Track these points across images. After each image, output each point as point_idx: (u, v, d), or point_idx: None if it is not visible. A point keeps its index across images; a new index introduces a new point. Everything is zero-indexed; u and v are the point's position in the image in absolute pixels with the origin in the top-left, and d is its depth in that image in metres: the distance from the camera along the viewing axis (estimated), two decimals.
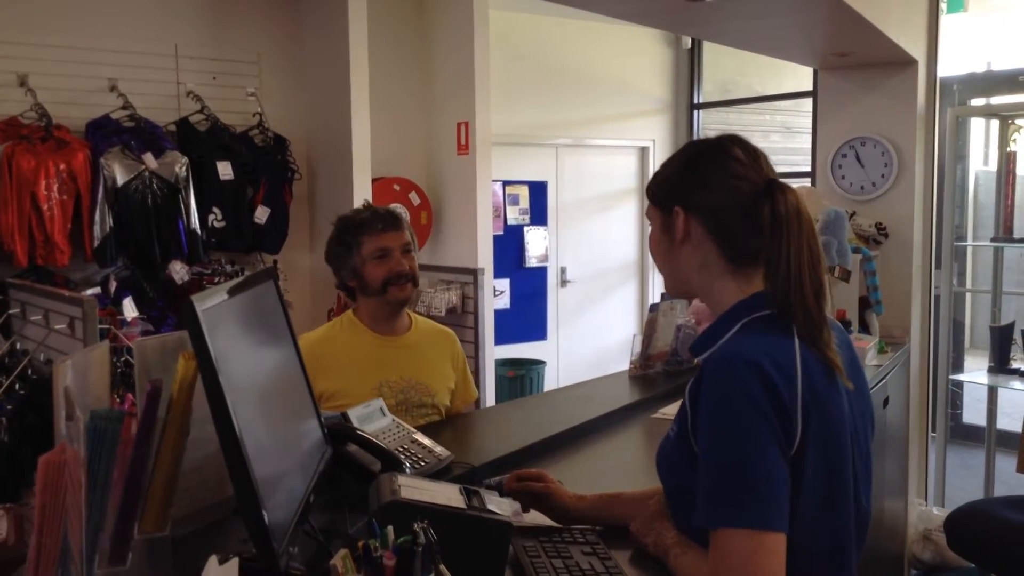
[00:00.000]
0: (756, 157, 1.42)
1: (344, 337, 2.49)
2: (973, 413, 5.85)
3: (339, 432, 1.74)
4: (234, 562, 0.94)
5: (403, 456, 1.84)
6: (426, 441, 1.97)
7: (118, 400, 1.52)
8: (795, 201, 1.37)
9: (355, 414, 1.93)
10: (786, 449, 1.26)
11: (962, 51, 5.80)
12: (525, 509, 1.65)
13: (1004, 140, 4.58)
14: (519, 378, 6.05)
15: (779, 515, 1.24)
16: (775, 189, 1.37)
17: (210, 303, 1.17)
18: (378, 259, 2.42)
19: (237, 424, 1.11)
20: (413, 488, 1.38)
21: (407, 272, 2.43)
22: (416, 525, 1.15)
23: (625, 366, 3.22)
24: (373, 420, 1.96)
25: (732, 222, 1.37)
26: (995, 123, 4.83)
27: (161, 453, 1.15)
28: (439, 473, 1.86)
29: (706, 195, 1.38)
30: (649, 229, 1.50)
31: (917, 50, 4.09)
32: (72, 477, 0.97)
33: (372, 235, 2.43)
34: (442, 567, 1.16)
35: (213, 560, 0.93)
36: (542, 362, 6.33)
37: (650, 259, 7.40)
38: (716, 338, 1.37)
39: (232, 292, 1.29)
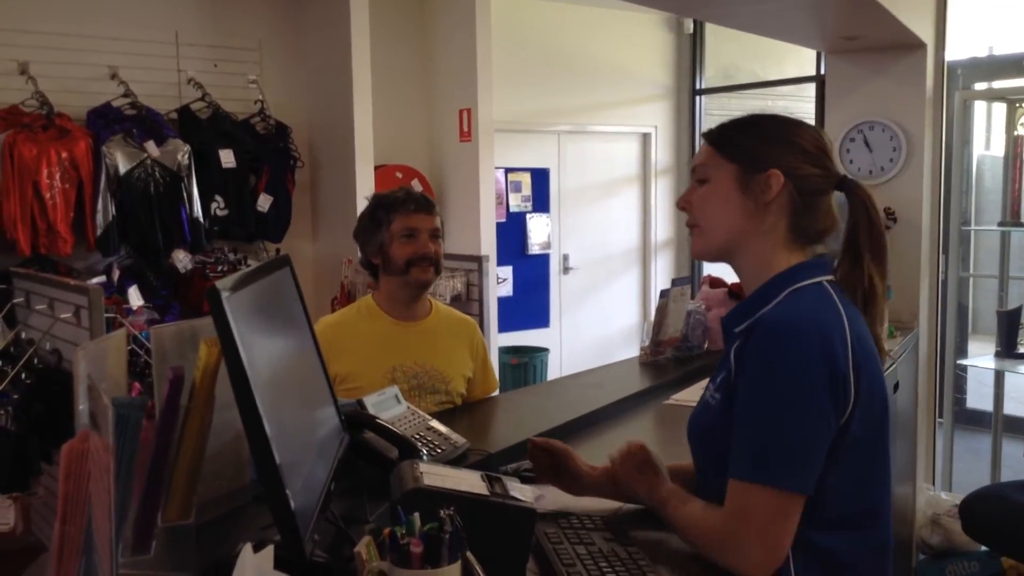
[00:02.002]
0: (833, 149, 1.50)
1: (361, 320, 2.48)
2: (977, 398, 5.85)
3: (356, 419, 1.73)
4: (269, 550, 0.92)
5: (420, 443, 1.83)
6: (442, 428, 1.95)
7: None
8: (871, 195, 1.46)
9: (370, 401, 1.91)
10: (839, 414, 1.30)
11: (965, 35, 5.77)
12: (543, 475, 1.68)
13: (1011, 124, 4.56)
14: (522, 365, 6.03)
15: (809, 480, 1.29)
16: (855, 183, 1.45)
17: (232, 289, 1.15)
18: (405, 238, 2.42)
19: (262, 412, 1.09)
20: (435, 475, 1.36)
21: (431, 255, 2.44)
22: (442, 512, 1.13)
23: (628, 352, 3.21)
24: (388, 407, 1.95)
25: (817, 198, 1.42)
26: (997, 107, 4.80)
27: (184, 441, 1.13)
28: (455, 460, 1.85)
29: (805, 166, 1.40)
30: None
31: (926, 33, 4.06)
32: (97, 465, 0.95)
33: (404, 214, 2.43)
34: (468, 554, 1.15)
35: (248, 548, 0.91)
36: (545, 349, 6.31)
37: (653, 245, 7.42)
38: (760, 306, 1.38)
39: (252, 278, 1.27)
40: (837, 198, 1.47)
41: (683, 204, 1.48)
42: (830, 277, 1.42)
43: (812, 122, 6.27)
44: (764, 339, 1.31)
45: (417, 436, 1.87)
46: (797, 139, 1.42)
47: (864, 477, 1.38)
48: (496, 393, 2.69)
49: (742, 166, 1.41)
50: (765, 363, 1.30)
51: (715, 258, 1.48)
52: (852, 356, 1.30)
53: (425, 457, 1.76)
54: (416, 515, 1.14)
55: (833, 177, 1.43)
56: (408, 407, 2.00)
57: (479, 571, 1.15)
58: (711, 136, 1.47)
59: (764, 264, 1.42)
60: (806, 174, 1.40)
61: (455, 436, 1.93)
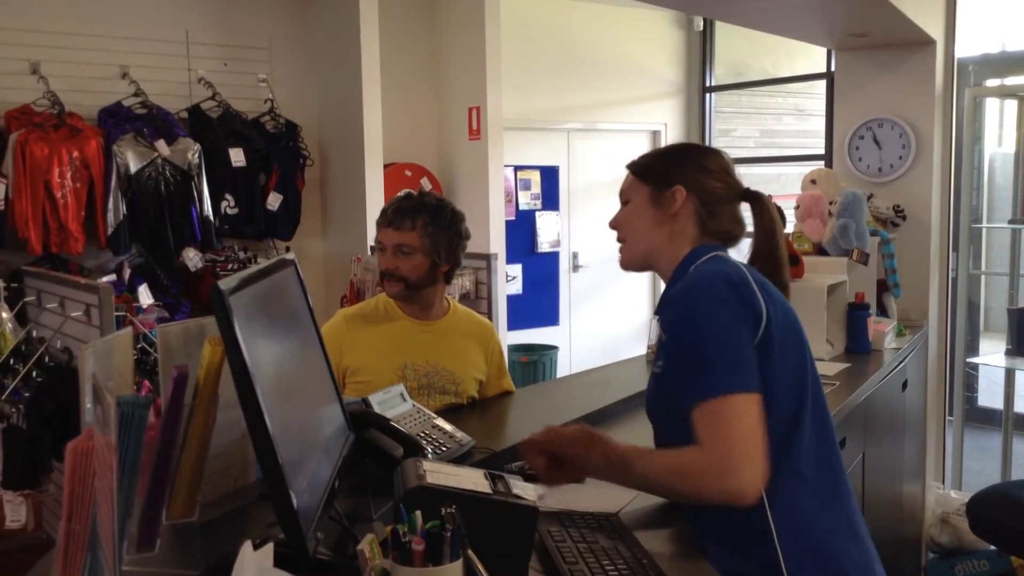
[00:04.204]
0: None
1: (378, 316, 2.48)
2: (988, 396, 5.82)
3: (361, 417, 1.74)
4: (269, 547, 0.93)
5: (424, 441, 1.83)
6: (447, 426, 1.96)
7: (135, 387, 1.52)
8: (772, 204, 1.73)
9: (375, 399, 1.92)
10: (755, 328, 1.48)
11: (976, 31, 5.74)
12: (547, 474, 1.65)
13: (1022, 121, 4.53)
14: (532, 363, 6.04)
15: (753, 378, 1.45)
16: (758, 194, 1.71)
17: (235, 288, 1.16)
18: (379, 251, 2.44)
19: (265, 410, 1.10)
20: (438, 473, 1.37)
21: (390, 271, 2.39)
22: (444, 510, 1.14)
23: (637, 351, 3.21)
24: (393, 405, 1.95)
25: (720, 206, 1.66)
26: (1009, 104, 4.76)
27: (189, 439, 1.14)
28: (460, 458, 1.85)
29: (706, 181, 1.66)
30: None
31: (935, 30, 4.05)
32: (102, 462, 0.96)
33: (378, 227, 2.45)
34: (469, 552, 1.16)
35: (248, 545, 0.92)
36: (555, 347, 6.32)
37: None
38: (674, 286, 1.60)
39: (256, 278, 1.28)
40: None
41: (612, 224, 1.74)
42: (717, 253, 1.63)
43: (823, 118, 6.27)
44: (680, 294, 1.55)
45: (422, 434, 1.88)
46: (701, 160, 1.68)
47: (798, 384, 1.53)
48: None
49: (653, 186, 1.67)
50: (686, 308, 1.53)
51: (639, 267, 1.74)
52: (755, 288, 1.51)
53: (429, 455, 1.77)
54: (418, 513, 1.15)
55: (734, 190, 1.68)
56: (414, 405, 2.01)
57: (481, 569, 1.16)
58: (633, 167, 1.73)
59: (676, 262, 1.65)
60: (707, 187, 1.65)
61: (460, 434, 1.94)
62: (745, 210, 1.72)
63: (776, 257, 1.70)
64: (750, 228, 1.73)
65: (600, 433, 1.60)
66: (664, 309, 1.58)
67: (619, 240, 1.74)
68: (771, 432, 1.45)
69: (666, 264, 1.67)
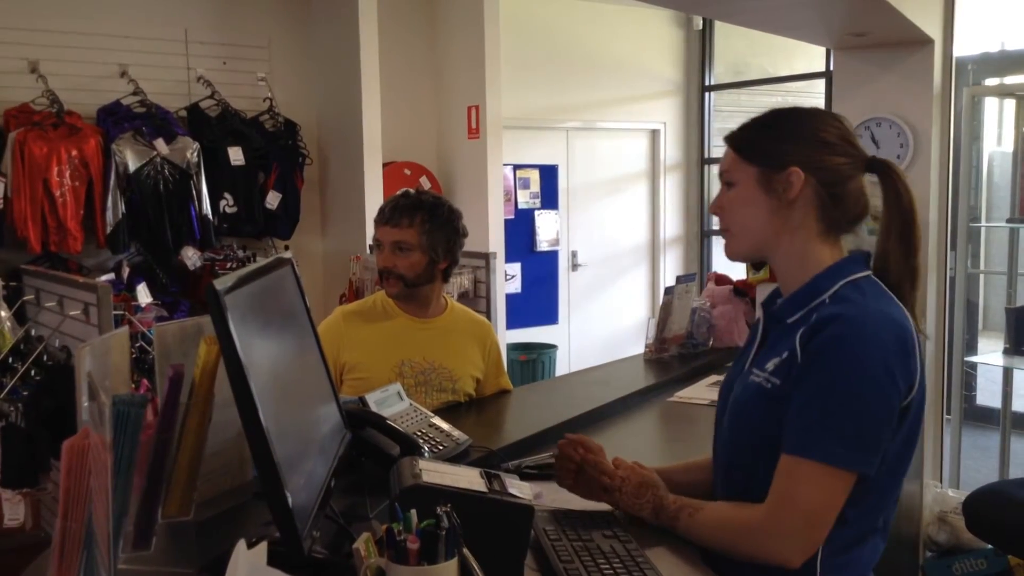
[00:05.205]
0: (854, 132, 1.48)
1: (376, 313, 2.50)
2: (986, 395, 5.83)
3: (357, 416, 1.74)
4: (263, 546, 0.94)
5: (421, 440, 1.84)
6: (444, 425, 1.96)
7: (133, 386, 1.52)
8: (905, 175, 1.44)
9: (372, 399, 1.92)
10: (903, 400, 1.34)
11: (976, 30, 5.74)
12: (566, 478, 1.62)
13: (1020, 120, 4.53)
14: (531, 362, 6.04)
15: (867, 460, 1.31)
16: (887, 165, 1.44)
17: (231, 287, 1.16)
18: (377, 249, 2.45)
19: (261, 409, 1.10)
20: (434, 472, 1.37)
21: (388, 268, 2.41)
22: (439, 508, 1.14)
23: (636, 350, 3.21)
24: (390, 404, 1.96)
25: (844, 185, 1.41)
26: (1007, 103, 4.75)
27: (184, 438, 1.15)
28: (457, 457, 1.86)
29: (826, 157, 1.40)
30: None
31: (933, 29, 4.04)
32: (97, 461, 0.97)
33: (375, 225, 2.47)
34: (465, 550, 1.16)
35: (242, 544, 0.92)
36: (554, 346, 6.32)
37: (662, 241, 7.40)
38: (812, 298, 1.41)
39: (252, 277, 1.29)
40: None
41: (715, 209, 1.50)
42: (869, 272, 1.43)
43: None
44: (846, 329, 1.33)
45: (419, 433, 1.88)
46: (817, 132, 1.42)
47: (901, 455, 1.40)
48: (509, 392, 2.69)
49: (762, 167, 1.43)
50: (845, 347, 1.32)
51: (748, 258, 1.54)
52: (917, 347, 1.35)
53: (426, 454, 1.77)
54: (413, 511, 1.15)
55: (859, 162, 1.42)
56: (411, 404, 2.01)
57: (476, 568, 1.16)
58: (732, 140, 1.49)
59: (800, 259, 1.44)
60: (829, 166, 1.40)
61: (457, 433, 1.94)
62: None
63: (910, 248, 1.42)
64: None
65: (653, 480, 1.52)
66: (818, 331, 1.34)
67: (723, 229, 1.49)
68: (867, 506, 1.37)
69: (787, 262, 1.45)
